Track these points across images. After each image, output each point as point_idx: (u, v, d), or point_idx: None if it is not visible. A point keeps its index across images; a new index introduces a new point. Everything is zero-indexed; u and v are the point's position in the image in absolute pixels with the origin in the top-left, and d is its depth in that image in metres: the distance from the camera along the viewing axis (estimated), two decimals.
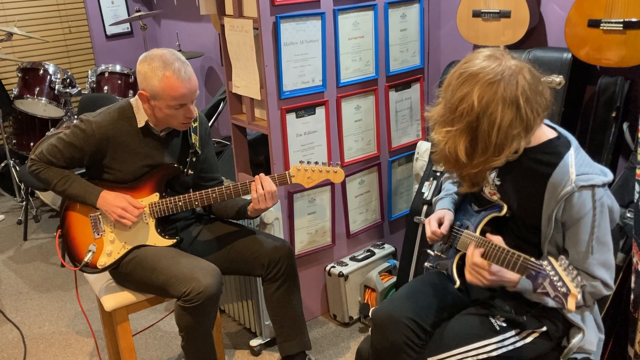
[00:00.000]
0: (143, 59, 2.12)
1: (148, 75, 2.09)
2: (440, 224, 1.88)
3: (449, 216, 1.90)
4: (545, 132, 1.67)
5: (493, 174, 1.77)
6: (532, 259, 1.52)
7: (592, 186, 1.57)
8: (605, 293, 1.67)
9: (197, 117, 2.35)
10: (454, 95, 1.56)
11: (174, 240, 2.27)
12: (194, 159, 2.32)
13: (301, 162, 2.24)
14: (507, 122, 1.51)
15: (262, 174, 2.21)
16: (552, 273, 1.45)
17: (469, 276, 1.70)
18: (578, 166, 1.59)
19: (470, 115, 1.53)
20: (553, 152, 1.63)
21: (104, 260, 2.23)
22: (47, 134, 3.84)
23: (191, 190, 2.39)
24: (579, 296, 1.42)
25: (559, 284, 1.44)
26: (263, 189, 2.19)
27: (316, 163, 2.25)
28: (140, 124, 2.20)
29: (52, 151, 2.20)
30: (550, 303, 1.62)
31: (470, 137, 1.55)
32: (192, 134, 2.31)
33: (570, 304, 1.42)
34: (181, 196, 2.23)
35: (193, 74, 2.13)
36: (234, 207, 2.36)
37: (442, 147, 1.61)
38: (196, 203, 2.23)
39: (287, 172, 2.23)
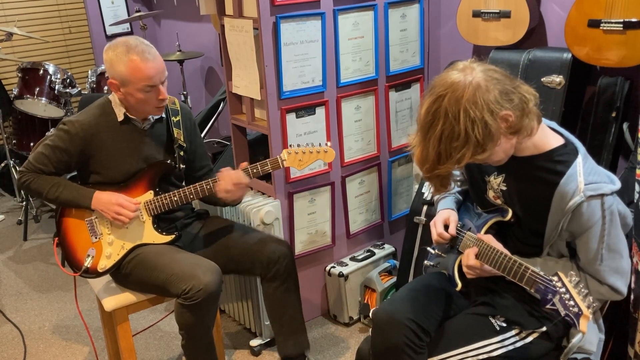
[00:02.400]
0: (107, 47, 2.15)
1: (114, 61, 2.11)
2: (446, 226, 1.88)
3: (454, 217, 1.89)
4: (551, 139, 1.66)
5: (499, 179, 1.76)
6: (541, 273, 1.51)
7: (601, 195, 1.57)
8: (613, 299, 1.67)
9: (179, 110, 2.35)
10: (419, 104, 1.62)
11: (173, 236, 2.26)
12: (181, 153, 2.32)
13: (291, 145, 2.24)
14: (447, 135, 1.52)
15: (223, 172, 2.21)
16: (562, 290, 1.44)
17: (467, 274, 1.73)
18: (586, 175, 1.58)
19: (420, 124, 1.58)
20: (560, 160, 1.62)
21: (104, 264, 2.23)
22: (47, 134, 3.84)
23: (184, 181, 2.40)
24: (591, 317, 1.42)
25: (571, 302, 1.42)
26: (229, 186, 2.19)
27: (306, 145, 2.25)
28: (120, 117, 2.21)
29: (40, 159, 2.19)
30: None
31: (422, 144, 1.59)
32: (175, 128, 2.32)
33: (583, 326, 1.41)
34: (176, 191, 2.23)
35: (158, 55, 2.16)
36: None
37: None
38: (191, 197, 2.22)
39: (278, 156, 2.23)
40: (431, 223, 1.92)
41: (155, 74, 2.12)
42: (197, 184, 2.23)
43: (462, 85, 1.52)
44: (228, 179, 2.20)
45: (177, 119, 2.33)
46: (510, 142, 1.60)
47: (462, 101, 1.50)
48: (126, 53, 2.09)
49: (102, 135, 2.20)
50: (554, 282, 1.46)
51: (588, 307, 1.41)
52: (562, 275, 1.46)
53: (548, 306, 1.47)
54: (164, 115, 2.31)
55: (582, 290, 1.44)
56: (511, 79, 1.59)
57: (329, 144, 2.29)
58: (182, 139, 2.32)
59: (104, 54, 2.14)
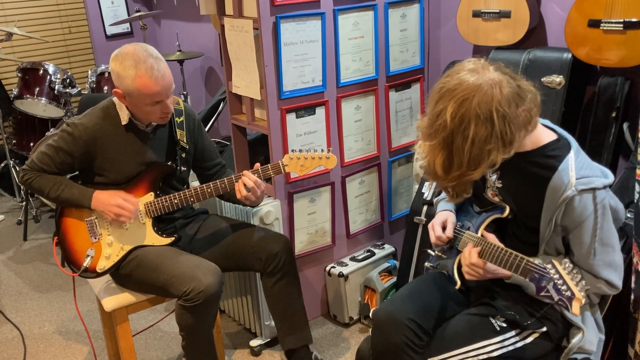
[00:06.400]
0: (114, 57, 2.11)
1: (121, 74, 2.08)
2: (443, 228, 1.88)
3: (451, 219, 1.90)
4: (544, 135, 1.67)
5: (494, 177, 1.77)
6: (536, 262, 1.53)
7: (593, 189, 1.57)
8: (610, 293, 1.68)
9: (182, 110, 2.34)
10: (432, 110, 1.57)
11: (172, 239, 2.26)
12: (183, 155, 2.32)
13: (293, 150, 2.24)
14: (481, 137, 1.50)
15: (245, 172, 2.20)
16: (556, 277, 1.45)
17: (466, 275, 1.72)
18: (578, 169, 1.58)
19: (445, 131, 1.53)
20: (553, 155, 1.63)
21: (103, 264, 2.23)
22: (47, 134, 3.84)
23: (197, 180, 2.40)
24: (584, 300, 1.42)
25: (563, 287, 1.44)
26: (247, 188, 2.18)
27: (308, 151, 2.25)
28: (124, 120, 2.20)
29: (43, 159, 2.19)
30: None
31: (446, 152, 1.55)
32: (178, 129, 2.31)
33: (575, 308, 1.42)
34: (176, 194, 2.23)
35: (167, 69, 2.11)
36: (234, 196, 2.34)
37: (424, 160, 1.62)
38: (192, 199, 2.22)
39: (280, 161, 2.23)
40: (429, 225, 1.92)
41: (161, 91, 2.09)
42: (197, 186, 2.23)
43: (488, 86, 1.50)
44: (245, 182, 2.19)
45: (181, 119, 2.32)
46: (522, 136, 1.60)
47: (492, 102, 1.49)
48: (134, 67, 2.05)
49: (106, 138, 2.19)
50: (547, 270, 1.48)
51: (580, 291, 1.42)
52: (556, 262, 1.47)
53: (542, 293, 1.48)
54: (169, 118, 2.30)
55: (576, 275, 1.45)
56: (516, 74, 1.60)
57: (330, 149, 2.29)
58: (184, 140, 2.31)
59: (111, 63, 2.11)
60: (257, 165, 2.23)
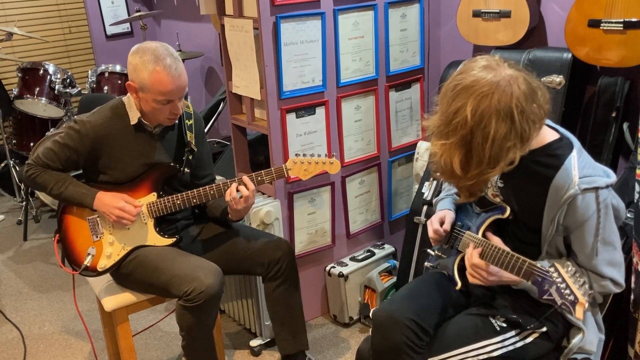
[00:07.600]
0: (135, 50, 2.13)
1: (139, 67, 2.09)
2: (441, 224, 1.89)
3: (450, 215, 1.90)
4: (547, 134, 1.66)
5: (495, 176, 1.76)
6: (538, 265, 1.52)
7: (596, 188, 1.57)
8: (615, 291, 1.67)
9: (192, 114, 2.35)
10: (448, 108, 1.54)
11: (174, 239, 2.26)
12: (190, 157, 2.32)
13: (297, 154, 2.24)
14: (502, 134, 1.49)
15: (244, 178, 2.19)
16: (558, 280, 1.45)
17: (470, 277, 1.72)
18: (581, 168, 1.58)
19: (464, 128, 1.51)
20: (555, 154, 1.62)
21: (104, 263, 2.23)
22: (47, 134, 3.84)
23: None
24: (587, 304, 1.42)
25: (567, 291, 1.43)
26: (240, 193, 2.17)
27: (312, 155, 2.25)
28: (133, 121, 2.20)
29: (48, 154, 2.19)
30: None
31: (465, 150, 1.53)
32: (188, 131, 2.31)
33: (578, 313, 1.41)
34: (179, 194, 2.23)
35: (184, 70, 2.13)
36: (218, 208, 2.35)
37: (438, 159, 1.59)
38: (194, 200, 2.22)
39: (283, 165, 2.23)
40: (428, 222, 1.93)
41: (175, 90, 2.10)
42: (200, 188, 2.22)
43: (506, 82, 1.49)
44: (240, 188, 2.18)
45: (191, 122, 2.33)
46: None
47: (512, 98, 1.48)
48: (153, 62, 2.06)
49: (113, 138, 2.19)
50: (550, 273, 1.47)
51: (584, 295, 1.41)
52: (558, 265, 1.47)
53: (545, 297, 1.48)
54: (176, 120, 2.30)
55: (579, 279, 1.44)
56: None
57: (335, 154, 2.29)
58: (194, 143, 2.31)
59: (130, 57, 2.11)
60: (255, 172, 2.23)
